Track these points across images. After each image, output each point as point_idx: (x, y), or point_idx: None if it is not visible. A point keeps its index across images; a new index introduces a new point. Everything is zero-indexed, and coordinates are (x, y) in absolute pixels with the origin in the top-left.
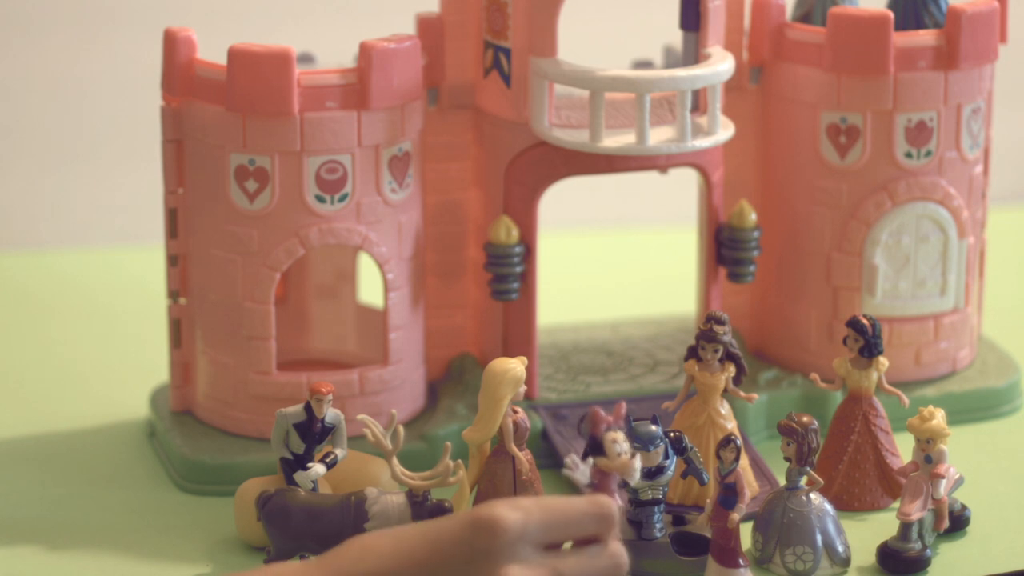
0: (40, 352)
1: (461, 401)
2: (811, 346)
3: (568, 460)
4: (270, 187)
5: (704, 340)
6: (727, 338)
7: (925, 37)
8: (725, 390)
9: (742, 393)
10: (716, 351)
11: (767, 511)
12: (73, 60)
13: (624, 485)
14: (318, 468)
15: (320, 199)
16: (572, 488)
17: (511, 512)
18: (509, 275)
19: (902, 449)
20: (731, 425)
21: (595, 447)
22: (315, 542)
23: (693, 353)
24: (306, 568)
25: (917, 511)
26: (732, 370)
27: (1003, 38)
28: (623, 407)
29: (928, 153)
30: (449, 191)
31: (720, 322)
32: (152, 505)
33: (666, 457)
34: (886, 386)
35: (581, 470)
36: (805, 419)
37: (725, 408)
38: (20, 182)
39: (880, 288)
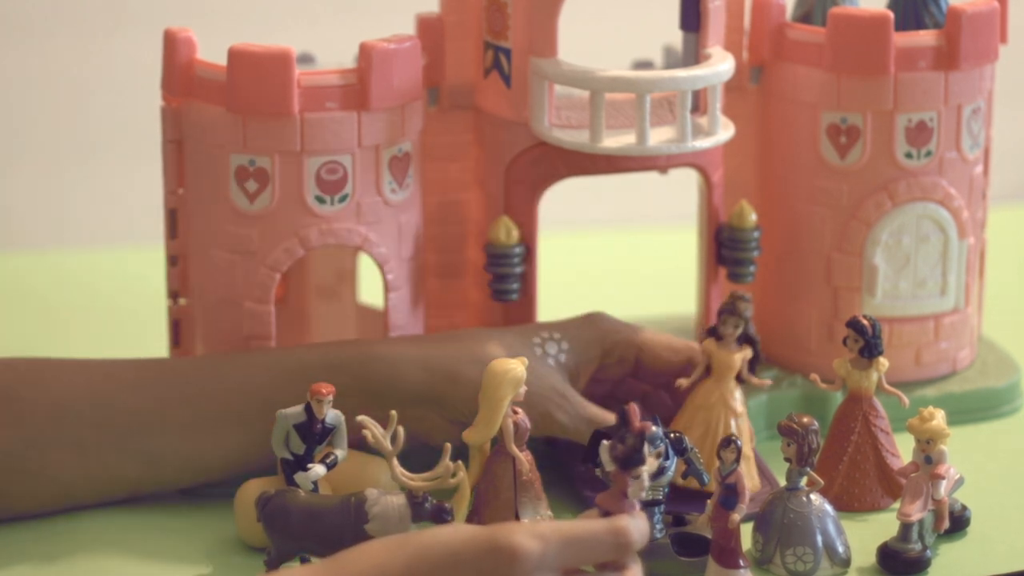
0: (40, 352)
1: None
2: (811, 346)
3: (643, 484)
4: (270, 187)
5: (727, 313)
6: (749, 314)
7: (925, 37)
8: (739, 376)
9: (755, 379)
10: (736, 326)
11: (767, 512)
12: (73, 61)
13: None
14: (318, 469)
15: (320, 199)
16: (572, 491)
17: (530, 541)
18: (509, 276)
19: (902, 449)
20: (742, 409)
21: (637, 460)
22: (315, 543)
23: (712, 332)
24: (310, 574)
25: (917, 512)
26: (748, 353)
27: (1003, 38)
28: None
29: (928, 153)
30: (449, 191)
31: (743, 299)
32: (152, 505)
33: (666, 458)
34: (886, 386)
35: (644, 482)
36: (805, 420)
37: (739, 393)
38: (20, 182)
39: (880, 288)
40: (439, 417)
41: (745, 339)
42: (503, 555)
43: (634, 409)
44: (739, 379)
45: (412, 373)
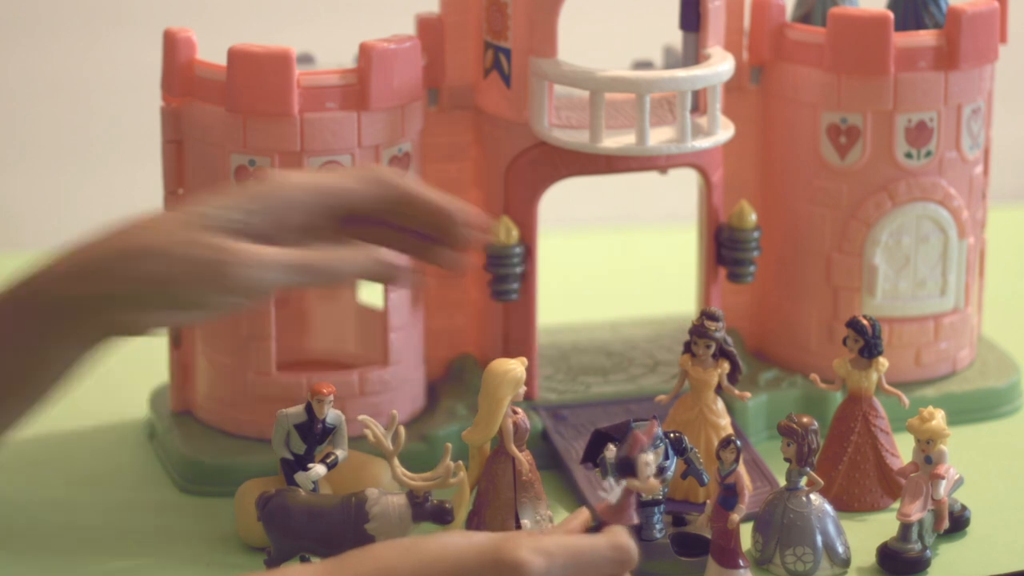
0: None
1: (461, 402)
2: (811, 346)
3: (605, 484)
4: None
5: (696, 335)
6: (720, 334)
7: (925, 37)
8: (719, 387)
9: (736, 391)
10: (708, 347)
11: (767, 512)
12: (74, 61)
13: (638, 497)
14: (319, 469)
15: None
16: (572, 491)
17: (536, 557)
18: (509, 275)
19: (902, 450)
20: (723, 422)
21: (627, 468)
22: (316, 543)
23: (688, 348)
24: (315, 572)
25: (917, 512)
26: (726, 367)
27: (1003, 38)
28: (656, 425)
29: (928, 153)
30: (449, 191)
31: (712, 318)
32: (152, 505)
33: (666, 458)
34: (886, 386)
35: (615, 491)
36: (805, 420)
37: (719, 405)
38: (20, 182)
39: (880, 288)
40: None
41: (721, 353)
42: (507, 571)
43: (638, 435)
44: (720, 389)
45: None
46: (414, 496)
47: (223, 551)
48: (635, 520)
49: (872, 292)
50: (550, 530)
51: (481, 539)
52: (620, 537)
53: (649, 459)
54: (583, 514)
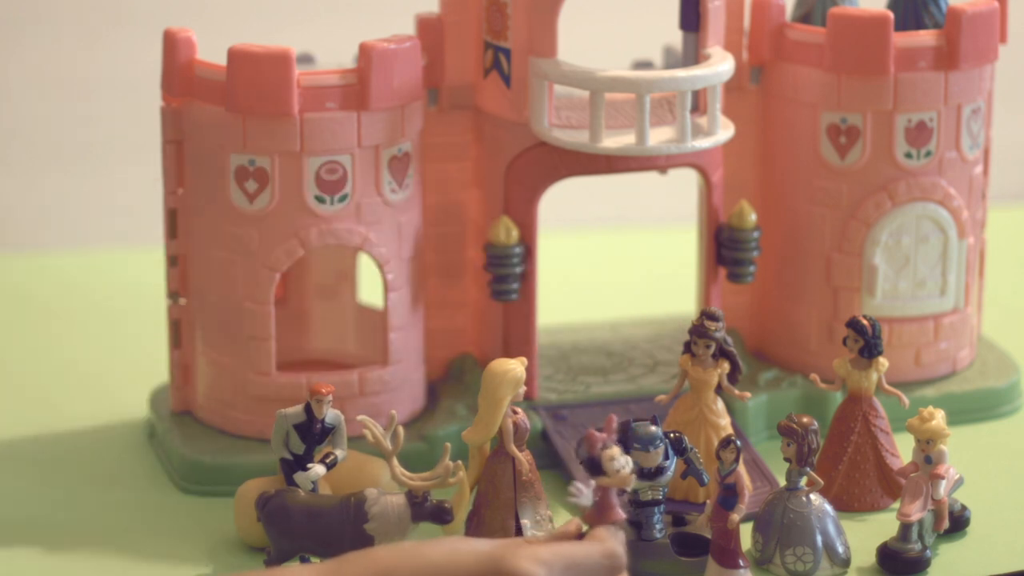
0: (40, 352)
1: (461, 401)
2: (811, 346)
3: (572, 488)
4: (270, 187)
5: (695, 335)
6: (719, 334)
7: (925, 37)
8: (719, 387)
9: (736, 391)
10: (708, 347)
11: (767, 512)
12: (73, 61)
13: (622, 493)
14: (318, 469)
15: (320, 199)
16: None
17: (537, 568)
18: (509, 275)
19: (902, 449)
20: (724, 422)
21: (594, 467)
22: (315, 543)
23: (688, 348)
24: (315, 573)
25: (917, 512)
26: (726, 367)
27: (1003, 38)
28: (614, 420)
29: (928, 153)
30: (449, 191)
31: (712, 318)
32: (152, 506)
33: (666, 458)
34: (886, 386)
35: (586, 495)
36: (805, 420)
37: (719, 405)
38: (20, 182)
39: (880, 288)
40: None
41: (721, 353)
42: None
43: (592, 433)
44: (720, 389)
45: None
46: (413, 496)
47: (223, 551)
48: (622, 516)
49: (872, 292)
50: (545, 538)
51: (483, 547)
52: (610, 544)
53: (614, 453)
54: (574, 522)
